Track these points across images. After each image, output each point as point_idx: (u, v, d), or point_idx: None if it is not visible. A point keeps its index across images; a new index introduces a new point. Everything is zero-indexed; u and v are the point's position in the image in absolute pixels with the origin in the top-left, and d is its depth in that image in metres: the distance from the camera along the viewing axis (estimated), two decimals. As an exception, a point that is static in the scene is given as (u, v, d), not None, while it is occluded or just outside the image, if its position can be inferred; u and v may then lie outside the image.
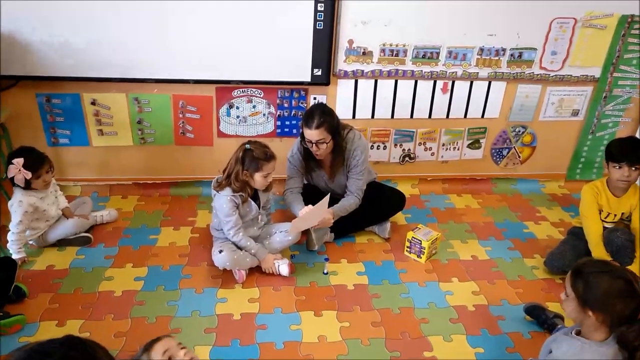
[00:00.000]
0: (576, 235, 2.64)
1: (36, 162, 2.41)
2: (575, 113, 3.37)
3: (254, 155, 2.32)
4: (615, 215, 2.53)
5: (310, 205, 2.51)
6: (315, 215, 2.50)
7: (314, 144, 2.52)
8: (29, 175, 2.37)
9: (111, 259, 2.55)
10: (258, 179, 2.36)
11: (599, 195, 2.53)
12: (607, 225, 2.54)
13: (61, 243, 2.61)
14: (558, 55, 3.10)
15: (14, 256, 2.40)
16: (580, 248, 2.55)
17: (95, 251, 2.61)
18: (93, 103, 2.90)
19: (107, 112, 2.94)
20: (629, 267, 2.37)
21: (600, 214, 2.53)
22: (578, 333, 1.69)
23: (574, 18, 2.99)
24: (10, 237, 2.41)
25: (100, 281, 2.38)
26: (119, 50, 2.73)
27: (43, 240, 2.58)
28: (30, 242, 2.57)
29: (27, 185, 2.41)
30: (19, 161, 2.35)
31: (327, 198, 2.45)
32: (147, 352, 1.46)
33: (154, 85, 2.90)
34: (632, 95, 3.32)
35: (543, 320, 2.22)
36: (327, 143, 2.52)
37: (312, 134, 2.48)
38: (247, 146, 2.34)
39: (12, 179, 2.39)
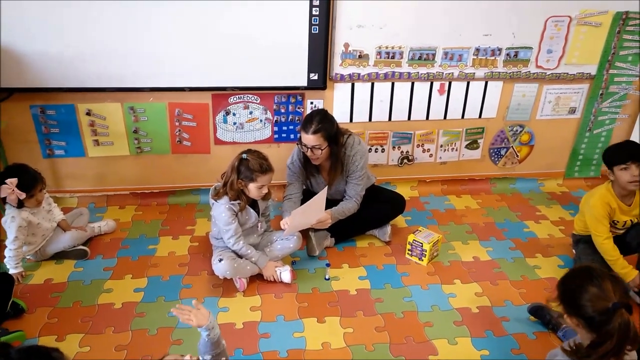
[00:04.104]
0: (587, 243, 2.51)
1: (30, 182, 2.37)
2: (572, 111, 3.37)
3: (249, 165, 2.29)
4: (625, 222, 2.46)
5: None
6: (312, 213, 2.48)
7: (309, 149, 2.51)
8: (22, 195, 2.33)
9: (110, 270, 2.52)
10: (252, 189, 2.34)
11: (610, 209, 2.41)
12: (618, 232, 2.49)
13: (58, 256, 2.58)
14: (554, 54, 3.10)
15: (11, 271, 2.37)
16: (597, 262, 2.38)
17: (93, 263, 2.58)
18: (88, 113, 2.88)
19: (103, 122, 2.91)
20: None
21: (613, 224, 2.45)
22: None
23: (568, 16, 2.99)
24: (7, 253, 2.38)
25: (99, 294, 2.35)
26: (113, 59, 2.71)
27: (41, 254, 2.55)
28: (28, 257, 2.54)
29: (20, 205, 2.38)
30: (12, 181, 2.31)
31: (324, 192, 2.43)
32: None
33: (149, 94, 2.88)
34: (628, 91, 3.32)
35: (547, 320, 2.21)
36: (322, 149, 2.51)
37: (308, 138, 2.48)
38: (244, 156, 2.32)
39: (4, 198, 2.35)
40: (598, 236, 2.41)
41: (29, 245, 2.48)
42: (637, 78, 3.27)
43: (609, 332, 1.46)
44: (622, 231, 2.50)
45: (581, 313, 1.53)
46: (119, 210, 3.09)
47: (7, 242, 2.38)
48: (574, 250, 2.67)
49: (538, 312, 2.25)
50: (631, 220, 2.47)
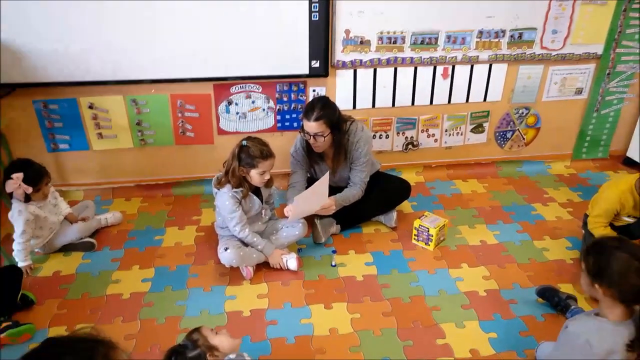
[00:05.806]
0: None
1: (36, 175, 2.39)
2: (579, 91, 3.32)
3: (249, 152, 2.29)
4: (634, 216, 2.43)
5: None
6: (316, 198, 2.47)
7: (311, 137, 2.49)
8: (29, 190, 2.34)
9: (117, 261, 2.54)
10: (254, 176, 2.33)
11: (623, 204, 2.38)
12: (627, 220, 2.45)
13: (66, 248, 2.60)
14: (559, 34, 3.06)
15: (20, 264, 2.38)
16: None
17: (101, 255, 2.59)
18: (91, 107, 2.88)
19: (106, 115, 2.92)
20: None
21: (619, 213, 2.42)
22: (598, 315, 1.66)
23: (573, -5, 2.95)
24: (15, 247, 2.40)
25: (107, 285, 2.37)
26: (113, 52, 2.70)
27: (49, 247, 2.57)
28: (36, 250, 2.56)
29: (27, 199, 2.39)
30: (18, 176, 2.32)
31: (326, 177, 2.42)
32: (196, 332, 1.68)
33: (151, 86, 2.87)
34: (635, 70, 3.27)
35: (556, 302, 2.19)
36: (324, 137, 2.49)
37: (310, 126, 2.46)
38: (244, 142, 2.31)
39: (11, 193, 2.36)
40: (594, 222, 2.43)
41: (36, 238, 2.50)
42: (645, 56, 3.23)
43: None
44: (628, 220, 2.45)
45: (617, 284, 1.52)
46: (125, 202, 3.10)
47: (15, 236, 2.40)
48: (582, 231, 2.65)
49: (546, 293, 2.24)
50: None
